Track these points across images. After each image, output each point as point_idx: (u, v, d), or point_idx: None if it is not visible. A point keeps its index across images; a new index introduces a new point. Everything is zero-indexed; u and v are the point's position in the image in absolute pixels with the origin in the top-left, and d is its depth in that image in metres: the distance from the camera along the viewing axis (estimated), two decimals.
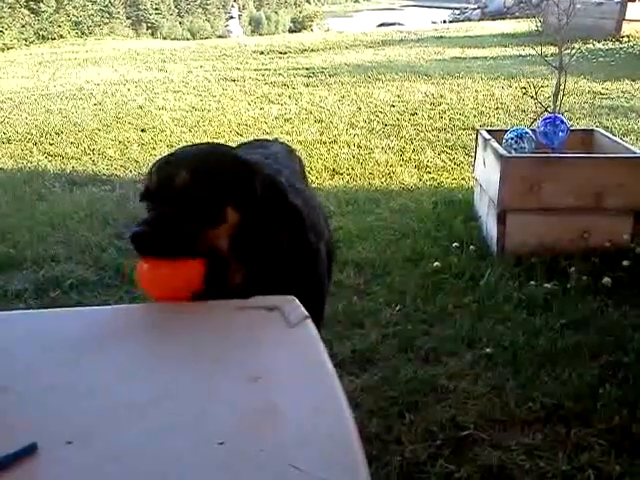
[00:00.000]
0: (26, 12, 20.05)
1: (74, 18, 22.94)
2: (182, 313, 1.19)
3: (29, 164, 5.38)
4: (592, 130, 3.93)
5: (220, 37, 23.00)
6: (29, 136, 6.26)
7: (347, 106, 7.18)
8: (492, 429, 2.05)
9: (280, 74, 9.35)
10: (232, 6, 29.96)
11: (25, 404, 0.92)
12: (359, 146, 5.59)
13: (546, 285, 2.92)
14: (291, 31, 31.75)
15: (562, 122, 3.53)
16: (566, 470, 1.87)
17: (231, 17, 26.50)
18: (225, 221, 1.28)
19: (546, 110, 4.16)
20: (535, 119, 4.20)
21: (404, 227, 3.71)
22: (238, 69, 10.06)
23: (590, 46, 10.19)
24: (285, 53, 11.93)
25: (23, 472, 0.78)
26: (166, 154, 1.36)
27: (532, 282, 2.96)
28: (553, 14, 5.41)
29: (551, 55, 4.97)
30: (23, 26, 19.84)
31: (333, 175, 4.85)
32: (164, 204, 1.25)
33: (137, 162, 5.29)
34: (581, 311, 2.71)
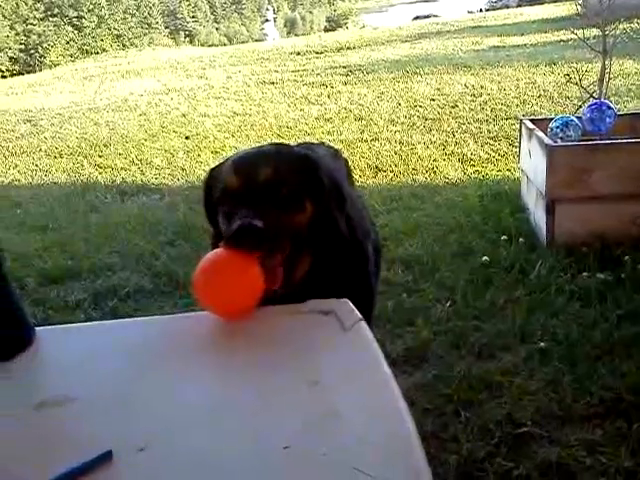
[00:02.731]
0: (70, 29, 20.69)
1: (115, 31, 23.55)
2: (238, 320, 1.23)
3: (81, 177, 5.57)
4: None
5: (257, 41, 23.24)
6: (79, 149, 6.47)
7: (386, 102, 7.16)
8: (550, 425, 2.03)
9: (318, 74, 9.39)
10: (267, 9, 30.25)
11: (96, 413, 0.96)
12: (400, 142, 5.58)
13: (599, 275, 2.86)
14: (326, 30, 31.78)
15: (609, 107, 3.45)
16: (629, 466, 1.83)
17: (266, 20, 26.76)
18: (305, 211, 1.33)
19: (591, 96, 4.06)
20: (580, 106, 4.11)
21: (451, 222, 3.69)
22: (276, 71, 10.15)
23: (635, 25, 9.86)
24: (322, 52, 11.97)
25: (101, 478, 0.83)
26: (235, 155, 1.40)
27: (584, 273, 2.90)
28: None
29: (594, 38, 4.84)
30: (67, 42, 20.48)
31: (376, 173, 4.86)
32: (251, 201, 1.27)
33: (183, 170, 5.41)
34: (637, 301, 2.64)
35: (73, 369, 1.08)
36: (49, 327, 1.28)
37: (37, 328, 1.18)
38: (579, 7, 7.79)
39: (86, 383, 1.03)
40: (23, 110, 9.02)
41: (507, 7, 21.96)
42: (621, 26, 5.21)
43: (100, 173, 5.62)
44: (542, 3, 18.83)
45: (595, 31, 4.62)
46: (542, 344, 2.42)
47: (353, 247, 1.51)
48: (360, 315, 1.15)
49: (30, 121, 8.18)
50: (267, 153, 1.41)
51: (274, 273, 1.26)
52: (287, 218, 1.30)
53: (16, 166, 6.20)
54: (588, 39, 4.72)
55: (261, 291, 1.18)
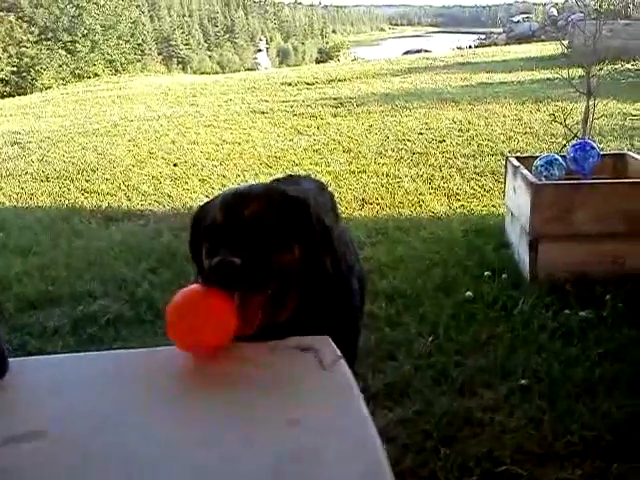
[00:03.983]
0: (63, 53, 20.82)
1: (108, 57, 23.73)
2: (217, 355, 1.21)
3: (66, 201, 5.54)
4: (623, 154, 3.89)
5: (249, 69, 23.46)
6: (66, 173, 6.45)
7: (375, 135, 7.23)
8: (529, 463, 2.02)
9: (308, 105, 9.47)
10: (260, 39, 30.66)
11: (67, 451, 0.94)
12: (388, 175, 5.62)
13: (581, 313, 2.87)
14: (318, 61, 32.22)
15: (592, 148, 3.51)
16: None
17: (259, 50, 27.09)
18: (292, 253, 1.32)
19: (576, 136, 4.14)
20: (565, 145, 4.18)
21: (435, 256, 3.70)
22: (267, 101, 10.22)
23: (619, 67, 10.09)
24: (313, 84, 12.08)
25: None
26: (226, 191, 1.40)
27: (567, 310, 2.91)
28: (579, 36, 5.39)
29: (579, 77, 4.94)
30: (60, 66, 20.59)
31: (362, 205, 4.88)
32: (235, 238, 1.27)
33: (170, 197, 5.40)
34: (618, 340, 2.66)
35: (44, 403, 1.06)
36: (20, 358, 1.26)
37: (10, 359, 1.15)
38: (565, 47, 7.98)
39: (56, 418, 1.01)
40: (11, 132, 8.99)
41: (495, 44, 22.43)
42: (605, 68, 5.33)
43: (86, 198, 5.60)
44: (529, 42, 19.27)
45: (580, 71, 4.72)
46: (523, 381, 2.42)
47: (338, 283, 1.50)
48: (340, 353, 1.15)
49: (18, 143, 8.15)
50: (257, 192, 1.40)
51: (251, 315, 1.25)
52: (272, 259, 1.29)
53: (1, 189, 6.16)
54: (573, 79, 4.81)
55: (232, 330, 1.17)
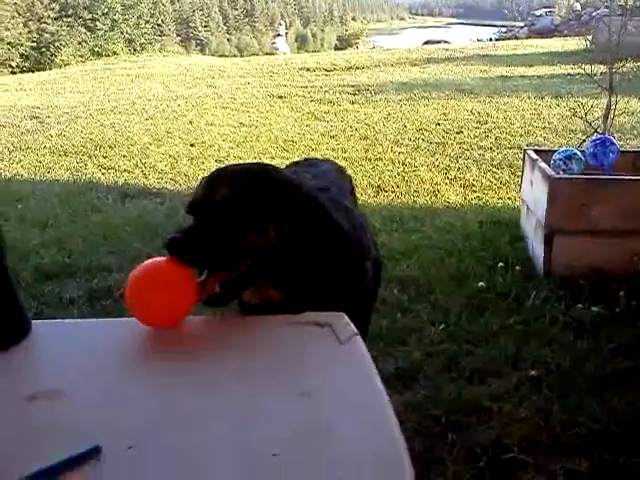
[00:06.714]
0: (83, 30, 20.83)
1: (127, 36, 23.73)
2: (233, 327, 1.23)
3: (84, 176, 5.59)
4: None
5: (267, 54, 23.38)
6: (84, 149, 6.49)
7: (392, 124, 7.21)
8: (536, 453, 2.02)
9: (326, 91, 9.45)
10: (279, 24, 30.54)
11: (88, 409, 0.96)
12: (404, 164, 5.62)
13: (594, 308, 2.87)
14: (337, 48, 32.05)
15: (612, 143, 3.48)
16: None
17: (278, 34, 26.98)
18: (263, 234, 1.32)
19: (596, 131, 4.11)
20: (584, 140, 4.15)
21: (449, 246, 3.71)
22: (285, 86, 10.21)
23: None
24: (331, 70, 12.04)
25: (88, 473, 0.83)
26: (212, 171, 1.42)
27: (579, 305, 2.91)
28: (603, 32, 5.33)
29: (601, 74, 4.90)
30: (79, 43, 20.61)
31: (378, 192, 4.89)
32: (204, 216, 1.30)
33: (186, 176, 5.44)
34: (630, 336, 2.65)
35: (67, 363, 1.09)
36: (44, 321, 1.29)
37: (32, 321, 1.18)
38: (588, 43, 7.90)
39: (79, 378, 1.04)
40: (30, 107, 9.04)
41: (516, 38, 22.20)
42: (628, 65, 5.28)
43: (103, 174, 5.64)
44: (551, 36, 19.06)
45: (602, 67, 4.68)
46: (533, 372, 2.43)
47: (347, 264, 1.50)
48: (356, 330, 1.16)
49: (37, 118, 8.20)
50: (233, 172, 1.41)
51: (204, 287, 1.26)
52: (237, 239, 1.29)
53: (20, 161, 6.21)
54: (595, 75, 4.78)
55: (183, 304, 1.19)
